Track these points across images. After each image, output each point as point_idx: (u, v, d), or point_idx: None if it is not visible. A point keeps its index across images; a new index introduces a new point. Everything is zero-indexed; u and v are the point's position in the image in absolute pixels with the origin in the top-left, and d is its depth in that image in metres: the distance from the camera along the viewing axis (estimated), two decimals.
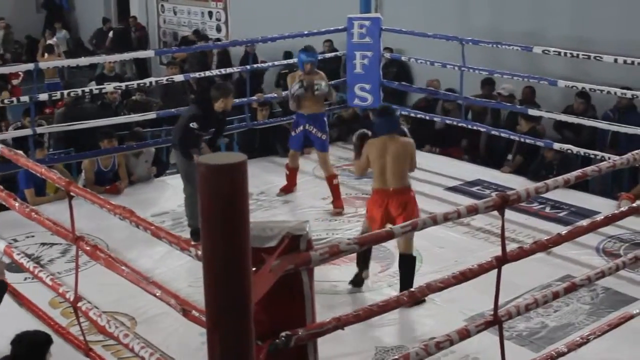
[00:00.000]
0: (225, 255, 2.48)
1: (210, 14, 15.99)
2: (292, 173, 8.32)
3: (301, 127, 7.93)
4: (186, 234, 6.88)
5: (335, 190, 7.82)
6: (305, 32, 10.27)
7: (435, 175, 8.87)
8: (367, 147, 6.05)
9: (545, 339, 5.35)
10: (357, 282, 6.14)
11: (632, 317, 4.52)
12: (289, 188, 8.35)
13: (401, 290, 5.60)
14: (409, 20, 10.81)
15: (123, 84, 9.73)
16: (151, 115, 9.23)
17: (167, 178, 9.03)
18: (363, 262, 6.12)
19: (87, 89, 8.93)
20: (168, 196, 8.23)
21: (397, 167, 5.91)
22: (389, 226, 5.40)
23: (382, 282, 6.27)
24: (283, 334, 3.05)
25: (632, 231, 7.16)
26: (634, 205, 4.61)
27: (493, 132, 9.26)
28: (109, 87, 9.43)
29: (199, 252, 2.98)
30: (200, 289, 2.57)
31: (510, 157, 9.20)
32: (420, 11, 11.61)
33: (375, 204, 5.95)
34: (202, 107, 7.07)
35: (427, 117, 9.77)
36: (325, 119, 8.13)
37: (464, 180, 8.66)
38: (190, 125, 6.92)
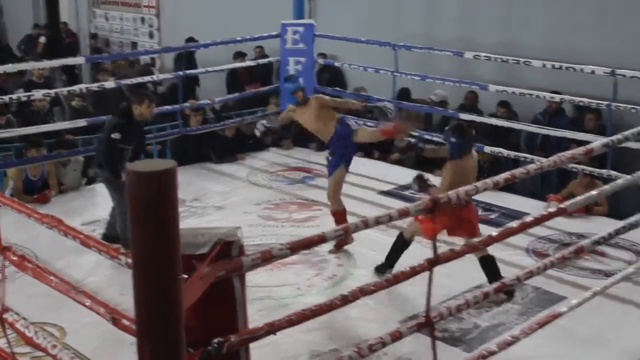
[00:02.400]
0: (155, 262, 2.45)
1: (142, 20, 15.84)
2: (339, 216, 7.01)
3: (329, 157, 7.08)
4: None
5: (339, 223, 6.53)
6: (239, 38, 10.26)
7: (369, 179, 8.94)
8: (454, 168, 5.87)
9: (477, 339, 5.43)
10: (380, 269, 6.28)
11: (560, 315, 4.61)
12: (346, 240, 6.85)
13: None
14: (342, 26, 10.88)
15: (52, 91, 9.56)
16: (81, 122, 9.08)
17: (98, 186, 8.87)
18: (390, 260, 6.23)
19: (14, 96, 8.72)
20: (98, 204, 8.10)
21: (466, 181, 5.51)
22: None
23: (316, 286, 6.28)
24: (215, 340, 3.02)
25: (560, 232, 7.32)
26: (562, 206, 4.70)
27: (426, 137, 9.36)
28: (37, 94, 9.24)
29: (129, 260, 2.94)
30: (131, 298, 2.53)
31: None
32: (353, 17, 11.68)
33: (447, 222, 5.70)
34: (123, 116, 6.67)
35: (361, 122, 9.81)
36: (341, 136, 7.02)
37: (397, 184, 8.73)
38: (112, 136, 6.51)
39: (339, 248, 6.84)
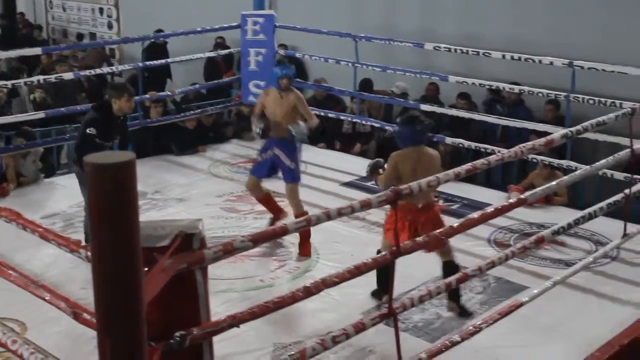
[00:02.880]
0: (114, 255, 2.42)
1: (101, 10, 15.68)
2: (268, 201, 7.07)
3: (269, 153, 6.83)
4: (77, 235, 6.70)
5: (302, 234, 6.54)
6: (199, 29, 10.19)
7: (331, 170, 8.95)
8: (395, 159, 5.49)
9: (440, 330, 5.46)
10: (376, 294, 5.79)
11: (521, 304, 4.65)
12: (279, 216, 7.03)
13: (449, 298, 5.57)
14: (303, 17, 10.86)
15: (9, 82, 9.41)
16: (40, 114, 8.96)
17: (57, 179, 8.79)
18: (382, 285, 5.62)
19: None
20: (58, 197, 8.01)
21: None
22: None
23: (279, 279, 6.27)
24: (177, 333, 3.00)
25: (521, 222, 7.39)
26: (523, 196, 4.75)
27: (387, 128, 9.39)
28: None
29: (89, 254, 2.90)
30: (92, 292, 2.50)
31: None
32: (314, 8, 11.67)
33: (400, 221, 5.20)
34: (101, 111, 6.38)
35: (322, 114, 9.82)
36: (297, 144, 6.89)
37: (358, 176, 8.74)
38: (88, 131, 6.24)
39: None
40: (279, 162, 6.80)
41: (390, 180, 5.42)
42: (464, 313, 5.63)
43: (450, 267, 5.50)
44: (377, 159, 5.86)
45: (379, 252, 5.57)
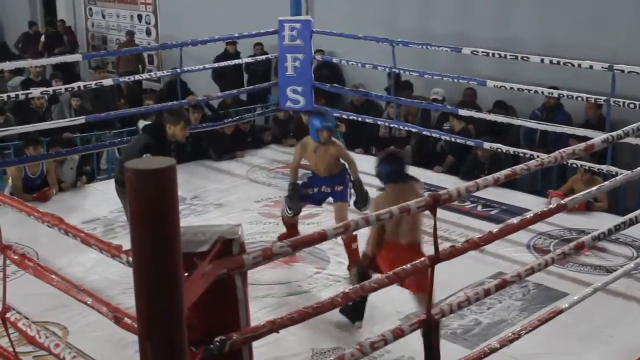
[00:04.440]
0: (156, 261, 2.44)
1: (139, 17, 15.81)
2: (291, 228, 6.82)
3: (317, 189, 6.62)
4: (117, 240, 6.76)
5: (350, 254, 6.29)
6: (236, 35, 10.25)
7: (368, 176, 8.90)
8: (378, 200, 5.25)
9: (478, 336, 5.42)
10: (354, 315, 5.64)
11: (561, 311, 4.60)
12: (291, 234, 6.60)
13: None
14: (339, 22, 10.85)
15: (50, 89, 9.54)
16: (80, 120, 9.08)
17: (97, 184, 8.89)
18: (356, 310, 5.56)
19: (12, 94, 8.71)
20: (98, 203, 8.10)
21: (413, 219, 5.11)
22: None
23: (317, 284, 6.27)
24: (217, 338, 3.02)
25: (561, 227, 7.32)
26: (562, 202, 4.70)
27: (424, 133, 9.36)
28: (35, 92, 9.23)
29: (130, 259, 2.93)
30: (133, 296, 2.52)
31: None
32: (350, 13, 11.67)
33: (383, 259, 5.18)
34: (156, 136, 6.21)
35: (360, 119, 9.82)
36: (346, 174, 6.64)
37: None
38: (144, 157, 5.86)
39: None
40: (328, 194, 6.61)
41: (378, 238, 5.22)
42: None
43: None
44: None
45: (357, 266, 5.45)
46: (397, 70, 9.37)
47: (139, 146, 6.13)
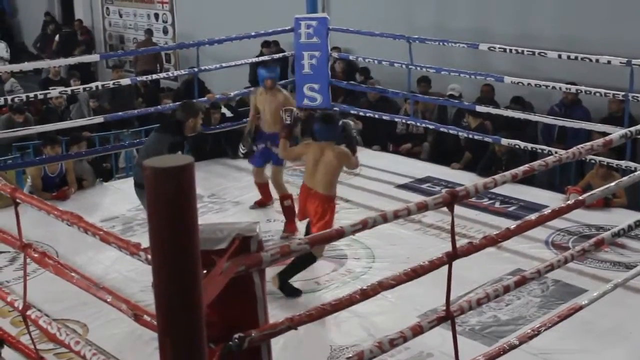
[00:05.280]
0: (175, 258, 2.45)
1: (156, 15, 15.87)
2: (263, 188, 7.85)
3: (262, 145, 7.61)
4: (135, 238, 6.79)
5: (286, 212, 7.24)
6: (253, 33, 10.26)
7: (386, 173, 8.93)
8: (304, 146, 6.37)
9: (497, 333, 5.41)
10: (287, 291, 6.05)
11: (581, 308, 4.58)
12: (265, 201, 7.92)
13: (280, 273, 5.85)
14: (356, 19, 10.85)
15: (68, 89, 9.60)
16: (99, 119, 9.14)
17: (116, 183, 8.94)
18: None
19: (31, 94, 8.77)
20: (117, 201, 8.14)
21: (327, 175, 6.06)
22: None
23: (335, 281, 6.28)
24: (236, 335, 3.03)
25: (579, 224, 7.28)
26: (581, 198, 4.68)
27: (442, 130, 9.34)
28: (54, 91, 9.30)
29: (149, 257, 2.95)
30: (152, 294, 2.54)
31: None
32: (367, 10, 11.66)
33: (299, 197, 6.27)
34: (178, 134, 6.29)
35: (376, 116, 9.81)
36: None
37: (414, 178, 8.71)
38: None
39: (259, 205, 7.85)
40: (270, 153, 7.48)
41: (292, 157, 6.81)
42: (292, 293, 5.91)
43: (304, 259, 5.85)
44: (297, 116, 6.63)
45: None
46: (414, 67, 9.36)
47: (167, 146, 6.08)
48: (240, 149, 7.93)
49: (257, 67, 8.15)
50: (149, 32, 15.16)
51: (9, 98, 8.87)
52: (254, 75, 12.11)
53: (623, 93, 7.77)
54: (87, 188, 8.55)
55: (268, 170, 7.66)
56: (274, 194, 7.67)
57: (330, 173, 6.08)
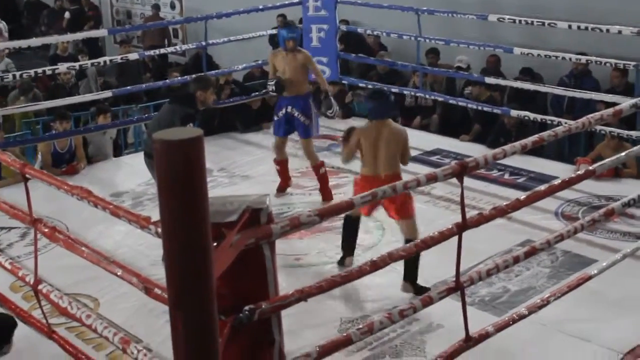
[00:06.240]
0: (185, 231, 2.45)
1: None
2: (282, 167, 7.54)
3: (283, 111, 7.34)
4: (145, 212, 6.81)
5: (322, 180, 7.32)
6: (260, 7, 10.21)
7: None
8: (357, 134, 5.78)
9: (507, 304, 5.42)
10: (342, 263, 6.02)
11: (590, 277, 4.59)
12: (285, 185, 7.60)
13: (405, 278, 5.56)
14: None
15: (76, 64, 9.60)
16: (107, 93, 9.14)
17: (125, 157, 8.97)
18: (347, 248, 6.03)
19: (39, 70, 8.76)
20: (126, 176, 8.16)
21: (389, 153, 5.67)
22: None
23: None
24: (246, 307, 3.05)
25: (589, 194, 7.27)
26: (591, 168, 4.67)
27: (451, 102, 9.31)
28: (62, 67, 9.29)
29: (159, 230, 2.96)
30: (162, 267, 2.55)
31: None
32: None
33: (365, 188, 5.40)
34: (192, 107, 6.23)
35: (385, 89, 9.76)
36: (310, 100, 7.45)
37: (423, 150, 8.69)
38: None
39: (281, 191, 7.53)
40: (293, 119, 7.30)
41: (352, 152, 5.89)
42: (420, 291, 5.42)
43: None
44: (351, 127, 6.10)
45: (345, 215, 5.99)
46: (422, 39, 9.31)
47: (179, 117, 6.04)
48: (269, 87, 7.44)
49: (278, 29, 8.02)
50: (156, 7, 15.09)
51: (17, 74, 8.81)
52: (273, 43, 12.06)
53: (634, 63, 7.71)
54: (97, 162, 8.59)
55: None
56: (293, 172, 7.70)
57: (392, 149, 5.68)
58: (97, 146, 8.69)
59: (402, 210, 5.61)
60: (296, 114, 7.27)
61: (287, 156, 7.55)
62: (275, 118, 7.44)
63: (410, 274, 5.55)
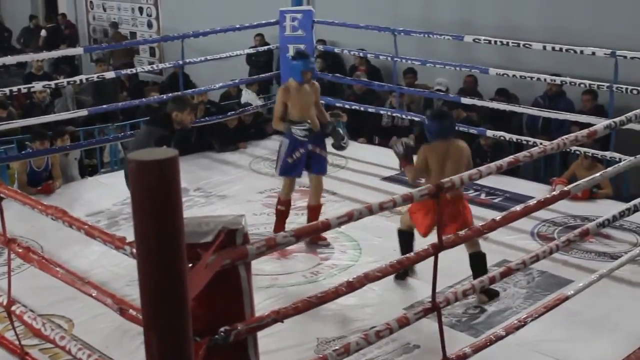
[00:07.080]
0: (159, 252, 2.44)
1: (140, 9, 15.79)
2: (287, 208, 6.90)
3: (302, 150, 6.67)
4: (121, 233, 6.75)
5: (314, 219, 6.59)
6: (238, 26, 10.23)
7: (372, 165, 8.93)
8: (424, 152, 5.71)
9: (484, 324, 5.42)
10: (402, 275, 5.94)
11: (567, 298, 4.60)
12: (282, 228, 6.76)
13: (481, 291, 5.44)
14: (341, 12, 10.83)
15: (52, 82, 9.55)
16: (82, 112, 9.10)
17: (101, 177, 8.91)
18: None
19: (14, 88, 8.70)
20: (102, 195, 8.10)
21: (456, 172, 5.25)
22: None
23: (321, 274, 6.28)
24: (222, 329, 3.02)
25: (564, 214, 7.31)
26: (566, 189, 4.69)
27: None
28: (37, 85, 9.24)
29: (134, 250, 2.93)
30: (138, 288, 2.53)
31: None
32: (352, 3, 11.63)
33: (424, 208, 5.56)
34: (167, 128, 6.17)
35: (362, 109, 9.81)
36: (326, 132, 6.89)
37: (400, 170, 8.68)
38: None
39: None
40: (313, 155, 6.73)
41: (420, 172, 5.78)
42: (493, 295, 5.73)
43: (478, 258, 5.61)
44: (405, 140, 5.97)
45: (399, 230, 6.00)
46: (399, 59, 9.36)
47: (154, 139, 6.01)
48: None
49: (291, 59, 7.25)
50: (114, 25, 15.16)
51: None
52: (253, 70, 12.06)
53: (607, 84, 7.80)
54: (71, 181, 8.51)
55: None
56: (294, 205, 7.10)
57: (459, 169, 5.43)
58: (61, 168, 8.53)
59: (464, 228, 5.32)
60: (318, 150, 6.74)
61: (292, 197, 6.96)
62: (290, 159, 6.69)
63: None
